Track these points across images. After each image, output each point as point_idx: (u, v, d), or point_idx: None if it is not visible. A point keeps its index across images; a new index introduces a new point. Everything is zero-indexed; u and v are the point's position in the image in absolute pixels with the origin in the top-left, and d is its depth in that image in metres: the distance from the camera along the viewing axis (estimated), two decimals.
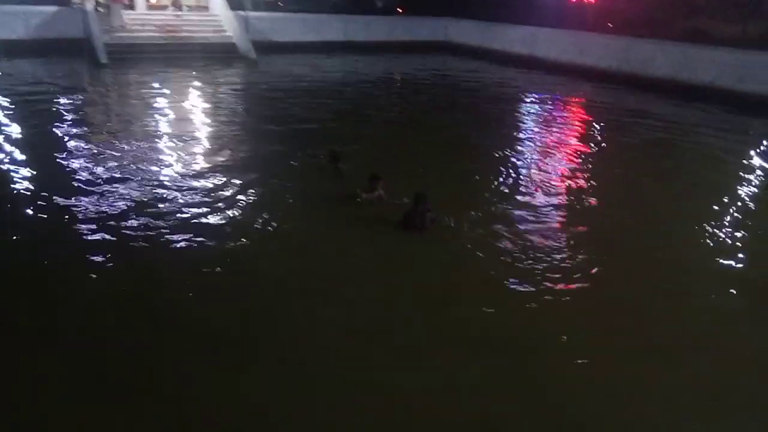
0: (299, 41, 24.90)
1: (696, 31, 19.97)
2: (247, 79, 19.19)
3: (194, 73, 19.01)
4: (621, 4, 22.49)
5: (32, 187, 8.58)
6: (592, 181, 9.65)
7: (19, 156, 9.96)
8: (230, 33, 22.94)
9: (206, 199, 8.19)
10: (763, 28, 18.86)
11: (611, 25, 22.28)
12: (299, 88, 17.81)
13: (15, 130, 11.61)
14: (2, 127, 11.64)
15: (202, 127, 12.75)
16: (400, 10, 30.36)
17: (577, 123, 14.87)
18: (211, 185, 8.75)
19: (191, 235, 7.03)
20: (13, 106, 13.57)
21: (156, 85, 16.98)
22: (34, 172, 9.20)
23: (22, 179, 8.91)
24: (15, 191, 8.44)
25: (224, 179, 9.00)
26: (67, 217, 7.51)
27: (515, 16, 24.88)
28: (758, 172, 10.65)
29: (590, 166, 10.72)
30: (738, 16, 19.38)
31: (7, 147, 10.38)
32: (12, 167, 9.37)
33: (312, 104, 15.35)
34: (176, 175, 9.19)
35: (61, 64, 19.19)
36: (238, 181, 8.90)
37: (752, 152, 11.94)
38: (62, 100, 14.42)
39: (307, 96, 16.54)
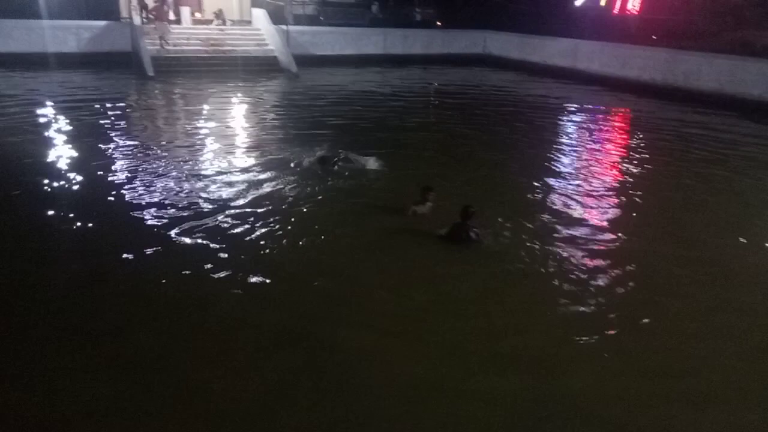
0: (339, 54, 25.21)
1: (743, 43, 19.54)
2: (287, 91, 19.49)
3: (237, 84, 19.44)
4: (664, 15, 22.18)
5: (78, 189, 9.03)
6: (637, 197, 9.45)
7: (68, 161, 10.46)
8: (272, 46, 23.35)
9: (247, 207, 8.32)
10: None
11: (654, 38, 21.96)
12: (337, 99, 18.05)
13: (65, 136, 12.19)
14: (53, 134, 12.28)
15: (242, 135, 13.07)
16: (439, 23, 30.51)
17: (620, 136, 14.66)
18: (252, 194, 8.88)
19: (230, 242, 7.16)
20: (64, 115, 14.18)
21: (199, 96, 17.50)
22: (81, 176, 9.58)
23: (69, 182, 9.34)
24: (63, 192, 8.85)
25: (266, 188, 9.15)
26: (110, 219, 7.79)
27: (555, 29, 24.75)
28: None
29: (635, 180, 10.50)
30: None
31: (57, 152, 10.95)
32: (58, 169, 9.86)
33: (349, 114, 15.58)
34: (215, 181, 9.40)
35: (109, 76, 19.82)
36: (281, 191, 9.03)
37: None
38: (109, 110, 14.98)
39: (345, 107, 16.80)
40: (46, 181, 9.32)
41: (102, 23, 22.53)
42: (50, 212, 8.15)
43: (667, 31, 21.65)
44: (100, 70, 20.32)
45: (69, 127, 13.00)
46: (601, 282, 6.47)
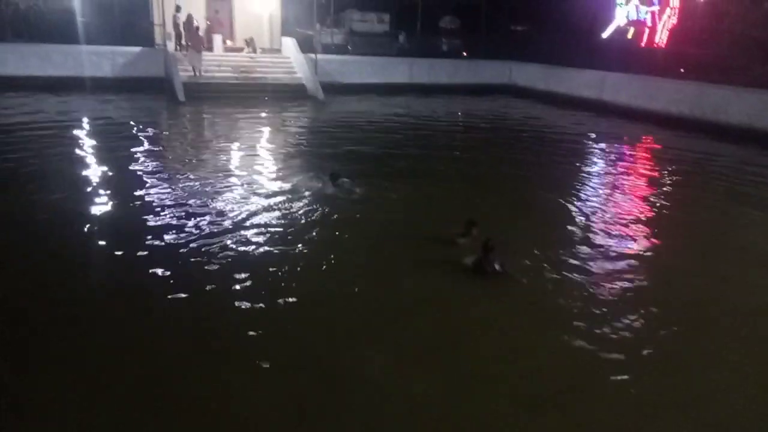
0: (366, 83, 25.54)
1: None
2: (313, 118, 19.80)
3: (265, 111, 19.80)
4: (693, 49, 22.09)
5: (107, 209, 9.29)
6: (661, 229, 9.36)
7: (99, 179, 10.81)
8: (300, 74, 23.77)
9: (269, 232, 8.40)
10: None
11: (682, 71, 21.86)
12: (362, 126, 18.29)
13: (97, 156, 12.64)
14: (84, 154, 12.72)
15: (265, 160, 13.29)
16: (465, 54, 30.80)
17: (647, 169, 14.50)
18: (275, 218, 9.00)
19: (254, 268, 7.20)
20: (97, 136, 14.74)
21: (228, 121, 17.94)
22: (110, 196, 9.88)
23: (99, 201, 9.59)
24: (92, 212, 9.07)
25: (291, 213, 9.24)
26: (136, 241, 7.86)
27: (581, 61, 24.81)
28: None
29: (659, 213, 10.41)
30: None
31: (90, 171, 11.37)
32: (92, 189, 10.16)
33: (373, 141, 15.85)
34: (241, 205, 9.51)
35: (142, 100, 20.33)
36: (306, 217, 9.11)
37: None
38: (140, 132, 15.42)
39: (369, 133, 17.09)
40: (75, 199, 9.58)
41: (136, 49, 23.19)
42: (77, 228, 8.36)
43: (695, 65, 21.53)
44: (133, 95, 20.84)
45: (100, 148, 13.44)
46: (624, 315, 6.37)
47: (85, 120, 16.67)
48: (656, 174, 13.84)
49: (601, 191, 11.85)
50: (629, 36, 25.98)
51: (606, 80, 23.22)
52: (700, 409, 4.95)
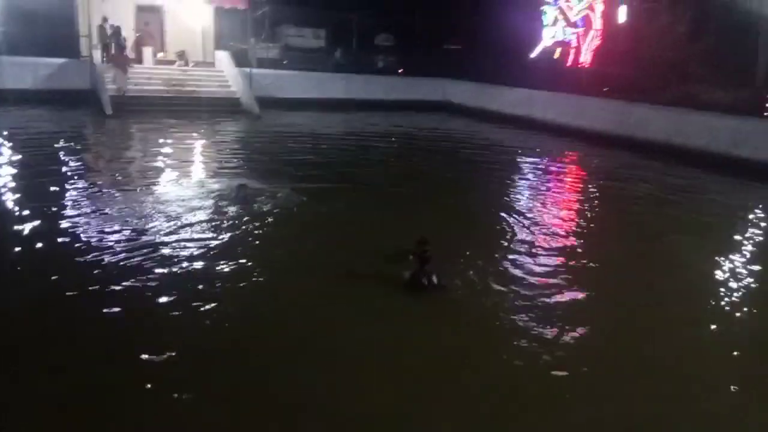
0: (301, 98, 25.46)
1: (688, 96, 20.54)
2: (246, 131, 19.61)
3: (197, 125, 19.39)
4: (615, 69, 23.20)
5: (25, 226, 8.69)
6: (596, 241, 9.71)
7: (17, 197, 10.21)
8: (234, 88, 23.46)
9: (200, 245, 8.15)
10: (753, 95, 19.44)
11: (606, 89, 22.93)
12: (296, 138, 18.35)
13: (16, 173, 11.95)
14: (4, 170, 12.01)
15: (196, 174, 13.01)
16: (400, 71, 31.25)
17: (576, 181, 15.12)
18: (205, 230, 8.75)
19: (186, 282, 6.97)
20: (17, 151, 13.91)
21: (157, 135, 17.43)
22: (30, 213, 9.31)
23: (18, 218, 9.05)
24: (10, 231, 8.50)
25: (216, 228, 8.97)
26: (61, 260, 7.49)
27: (511, 79, 25.63)
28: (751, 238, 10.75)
29: (593, 224, 10.81)
30: (729, 82, 20.00)
31: (7, 188, 10.71)
32: (9, 207, 9.60)
33: (306, 152, 16.06)
34: (170, 220, 9.17)
35: (67, 113, 19.54)
36: (232, 231, 8.89)
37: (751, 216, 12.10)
38: (64, 147, 14.77)
39: (303, 145, 17.23)
40: None
41: (61, 60, 22.29)
42: None
43: (618, 84, 22.63)
44: (57, 108, 19.99)
45: (17, 162, 12.80)
46: (561, 328, 6.39)
47: (2, 133, 15.77)
48: (585, 185, 14.45)
49: (533, 203, 12.16)
50: (556, 56, 27.07)
51: (535, 98, 24.07)
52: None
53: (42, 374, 5.07)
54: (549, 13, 27.29)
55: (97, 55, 22.06)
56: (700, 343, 6.43)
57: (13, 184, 11.12)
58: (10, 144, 14.81)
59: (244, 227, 9.06)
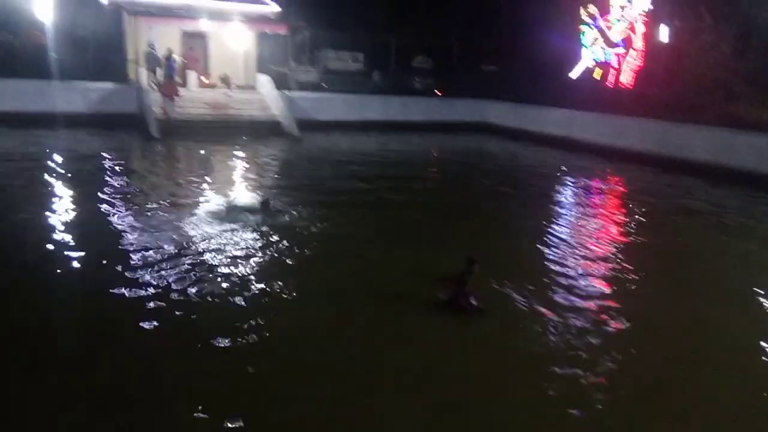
0: (340, 120, 25.82)
1: (732, 117, 20.07)
2: (286, 153, 19.93)
3: (239, 147, 19.82)
4: (657, 89, 22.87)
5: (73, 244, 9.04)
6: (638, 265, 9.49)
7: (66, 215, 10.66)
8: (275, 111, 23.94)
9: (243, 268, 8.28)
10: None
11: (648, 110, 22.59)
12: (334, 161, 18.56)
13: (67, 193, 12.49)
14: (55, 190, 12.56)
15: (231, 192, 13.21)
16: (438, 92, 31.43)
17: (618, 202, 14.89)
18: (247, 254, 8.88)
19: (226, 305, 7.08)
20: (68, 172, 14.53)
21: (199, 157, 18.04)
22: (78, 232, 9.71)
23: (65, 237, 9.36)
24: (56, 250, 8.78)
25: (260, 247, 9.17)
26: (105, 281, 7.62)
27: (550, 99, 25.50)
28: None
29: (635, 247, 10.65)
30: None
31: (57, 207, 11.15)
32: (59, 225, 9.94)
33: (344, 174, 16.29)
34: (214, 241, 9.35)
35: (115, 136, 20.25)
36: (274, 251, 9.05)
37: None
38: (111, 168, 15.32)
39: (342, 167, 17.47)
40: (37, 231, 9.47)
41: (110, 85, 23.19)
42: (35, 258, 8.18)
43: (660, 104, 22.26)
44: (106, 130, 20.75)
45: (67, 181, 13.41)
46: (599, 356, 6.30)
47: (55, 154, 16.45)
48: (629, 206, 14.23)
49: (575, 224, 12.09)
50: (596, 76, 26.84)
51: (575, 118, 23.87)
52: None
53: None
54: (588, 33, 27.14)
55: (144, 79, 22.85)
56: (748, 376, 6.21)
57: (62, 202, 11.68)
58: (62, 163, 15.52)
59: (272, 245, 9.24)
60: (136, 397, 5.19)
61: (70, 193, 12.56)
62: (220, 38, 26.49)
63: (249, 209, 10.84)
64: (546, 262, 9.26)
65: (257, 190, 13.38)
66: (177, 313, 6.82)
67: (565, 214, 13.12)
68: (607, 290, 8.25)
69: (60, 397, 5.18)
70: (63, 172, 14.59)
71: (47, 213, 10.70)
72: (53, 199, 11.82)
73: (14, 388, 5.23)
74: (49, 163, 15.32)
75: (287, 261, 8.73)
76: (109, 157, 16.68)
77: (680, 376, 6.07)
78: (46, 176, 13.78)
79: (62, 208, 11.18)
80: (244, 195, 12.83)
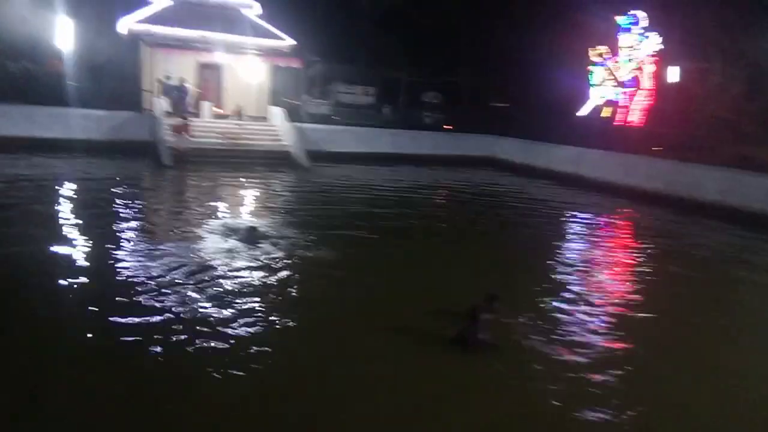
0: (350, 152, 26.04)
1: (742, 157, 20.13)
2: (295, 183, 20.07)
3: (250, 176, 20.00)
4: (666, 128, 23.04)
5: (82, 272, 9.04)
6: (647, 304, 9.44)
7: (74, 242, 10.64)
8: (286, 142, 24.19)
9: (253, 298, 8.24)
10: None
11: (657, 149, 22.71)
12: (342, 191, 18.77)
13: (77, 218, 12.58)
14: (66, 216, 12.66)
15: (228, 218, 13.32)
16: (447, 127, 31.74)
17: (627, 239, 14.87)
18: (257, 282, 8.90)
19: (237, 339, 6.96)
20: (80, 197, 14.90)
21: (208, 185, 18.18)
22: (87, 258, 9.74)
23: (74, 265, 9.37)
24: (66, 276, 8.74)
25: (274, 276, 9.17)
26: (112, 308, 7.61)
27: (559, 136, 25.70)
28: None
29: (643, 284, 10.58)
30: None
31: (67, 233, 11.21)
32: (66, 252, 9.93)
33: (350, 203, 16.57)
34: (224, 269, 9.37)
35: (128, 163, 20.47)
36: (292, 279, 9.08)
37: None
38: (124, 194, 15.51)
39: (349, 197, 17.70)
40: (44, 255, 9.54)
41: (124, 113, 23.54)
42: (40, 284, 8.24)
43: (669, 144, 22.41)
44: (120, 158, 20.99)
45: (78, 207, 13.66)
46: (609, 400, 6.18)
47: (68, 179, 16.69)
48: (636, 244, 14.22)
49: (585, 260, 12.05)
50: (605, 115, 27.08)
51: (583, 156, 23.99)
52: None
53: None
54: (597, 72, 27.48)
55: (158, 108, 23.20)
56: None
57: (74, 222, 11.96)
58: (76, 188, 15.85)
59: (270, 275, 9.20)
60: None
61: (79, 216, 12.69)
62: (235, 70, 26.94)
63: (241, 235, 10.98)
64: (558, 299, 9.18)
65: (257, 217, 13.55)
66: (175, 338, 6.81)
67: (575, 249, 13.10)
68: (619, 330, 8.16)
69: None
70: (74, 196, 14.90)
71: (54, 233, 10.88)
72: (61, 221, 12.04)
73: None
74: (62, 187, 15.59)
75: (289, 291, 8.70)
76: (121, 183, 16.89)
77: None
78: (58, 199, 14.11)
79: (69, 231, 11.33)
80: (242, 221, 12.83)
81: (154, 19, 24.85)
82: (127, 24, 24.58)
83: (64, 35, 25.30)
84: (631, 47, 25.64)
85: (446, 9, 35.09)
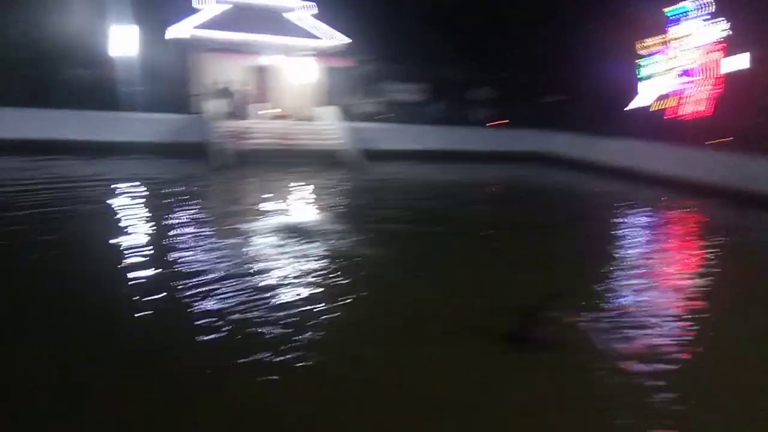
0: (402, 149, 26.30)
1: None
2: (349, 181, 20.34)
3: (301, 176, 20.32)
4: (729, 119, 22.23)
5: (140, 267, 9.35)
6: (705, 301, 9.20)
7: (132, 239, 11.16)
8: (339, 141, 24.59)
9: (304, 293, 8.32)
10: None
11: (718, 140, 21.97)
12: (397, 189, 18.97)
13: (135, 216, 13.27)
14: (125, 213, 13.42)
15: (305, 223, 13.29)
16: (499, 122, 31.53)
17: (686, 237, 14.50)
18: (309, 278, 9.02)
19: (292, 338, 6.91)
20: (138, 197, 15.66)
21: (266, 184, 18.62)
22: (145, 254, 10.10)
23: (132, 262, 9.67)
24: (123, 271, 9.11)
25: (326, 272, 9.31)
26: (170, 302, 7.88)
27: (614, 130, 25.18)
28: None
29: (703, 283, 10.27)
30: None
31: (126, 230, 11.80)
32: (125, 249, 10.36)
33: (406, 203, 16.53)
34: (275, 265, 9.55)
35: (182, 164, 21.17)
36: (344, 274, 9.20)
37: None
38: (180, 194, 16.15)
39: (402, 194, 17.84)
40: (107, 253, 10.02)
41: (178, 116, 24.39)
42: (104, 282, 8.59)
43: (731, 135, 21.62)
44: (176, 159, 21.76)
45: (138, 209, 14.27)
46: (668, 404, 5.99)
47: (124, 180, 17.37)
48: (700, 239, 13.85)
49: (645, 255, 11.79)
50: (661, 106, 26.34)
51: (638, 149, 23.46)
52: None
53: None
54: (654, 62, 26.75)
55: (210, 110, 23.87)
56: None
57: (131, 220, 12.64)
58: (136, 188, 16.66)
59: (326, 270, 9.33)
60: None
61: (136, 213, 13.49)
62: (287, 71, 27.51)
63: (292, 231, 11.40)
64: (618, 296, 9.05)
65: (309, 214, 13.99)
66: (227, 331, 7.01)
67: (635, 245, 12.84)
68: (684, 331, 7.93)
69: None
70: (133, 195, 15.70)
71: (115, 230, 11.55)
72: (120, 219, 12.72)
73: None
74: (117, 187, 16.34)
75: (342, 287, 8.71)
76: (177, 183, 17.54)
77: None
78: (115, 199, 14.99)
79: (127, 227, 12.02)
80: (294, 219, 13.15)
81: (207, 24, 25.60)
82: (180, 30, 25.38)
83: (120, 42, 26.35)
84: (689, 36, 24.83)
85: (496, 4, 34.78)
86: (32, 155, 20.46)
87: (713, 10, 23.80)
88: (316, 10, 27.56)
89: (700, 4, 23.93)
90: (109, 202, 14.51)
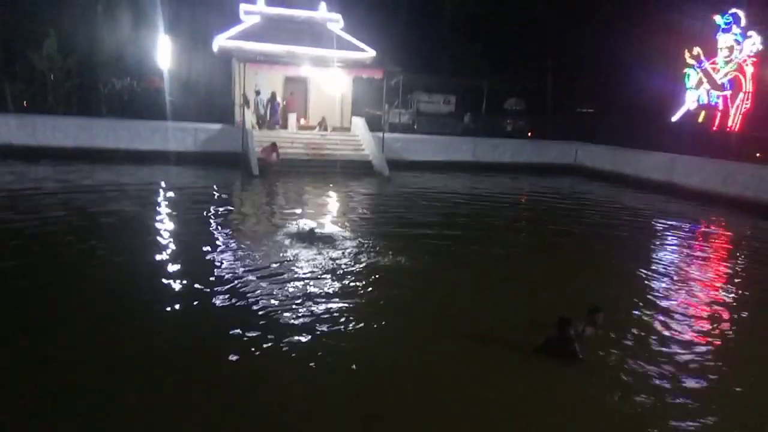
0: (430, 160, 26.17)
1: None
2: (376, 191, 20.35)
3: (333, 185, 20.54)
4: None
5: (175, 271, 9.71)
6: (739, 319, 8.89)
7: (168, 243, 11.55)
8: (368, 152, 24.61)
9: (332, 301, 8.45)
10: None
11: (759, 155, 21.32)
12: (423, 200, 18.82)
13: (171, 221, 13.70)
14: (161, 219, 13.84)
15: (336, 231, 13.39)
16: (529, 134, 31.18)
17: (726, 252, 14.01)
18: (335, 286, 9.12)
19: (314, 341, 7.14)
20: (175, 203, 16.14)
21: (292, 193, 18.90)
22: (179, 259, 10.45)
23: (167, 266, 10.02)
24: (159, 275, 9.41)
25: (353, 281, 9.36)
26: (202, 304, 8.14)
27: (649, 143, 24.66)
28: None
29: (740, 303, 9.90)
30: None
31: (162, 235, 12.16)
32: (160, 254, 10.65)
33: (431, 213, 16.66)
34: (302, 272, 9.70)
35: (220, 172, 21.51)
36: (370, 284, 9.20)
37: None
38: (215, 201, 16.65)
39: (429, 206, 17.75)
40: (141, 256, 10.20)
41: (217, 126, 24.76)
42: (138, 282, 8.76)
43: None
44: (212, 167, 22.13)
45: (175, 214, 14.59)
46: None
47: (165, 187, 17.95)
48: (735, 255, 13.38)
49: (678, 271, 11.48)
50: (700, 119, 25.73)
51: (676, 163, 22.85)
52: None
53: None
54: (692, 75, 26.17)
55: (249, 121, 24.20)
56: None
57: (167, 226, 12.96)
58: (173, 194, 17.05)
59: (361, 281, 9.35)
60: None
61: (173, 219, 13.87)
62: (319, 82, 27.70)
63: (320, 240, 11.52)
64: (650, 310, 8.86)
65: (337, 224, 13.99)
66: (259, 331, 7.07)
67: (670, 261, 12.46)
68: (716, 349, 7.71)
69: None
70: (171, 201, 16.19)
71: (153, 234, 11.98)
72: (155, 223, 13.17)
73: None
74: (160, 193, 16.95)
75: (369, 297, 8.80)
76: (213, 190, 17.95)
77: None
78: (154, 205, 15.53)
79: (162, 232, 12.35)
80: (322, 228, 13.07)
81: (244, 36, 25.99)
82: (219, 41, 25.87)
83: (162, 53, 26.98)
84: (731, 48, 24.24)
85: (530, 13, 34.56)
86: (81, 162, 21.24)
87: (746, 24, 23.20)
88: (342, 24, 27.79)
89: (751, 12, 23.29)
90: (144, 207, 15.13)
